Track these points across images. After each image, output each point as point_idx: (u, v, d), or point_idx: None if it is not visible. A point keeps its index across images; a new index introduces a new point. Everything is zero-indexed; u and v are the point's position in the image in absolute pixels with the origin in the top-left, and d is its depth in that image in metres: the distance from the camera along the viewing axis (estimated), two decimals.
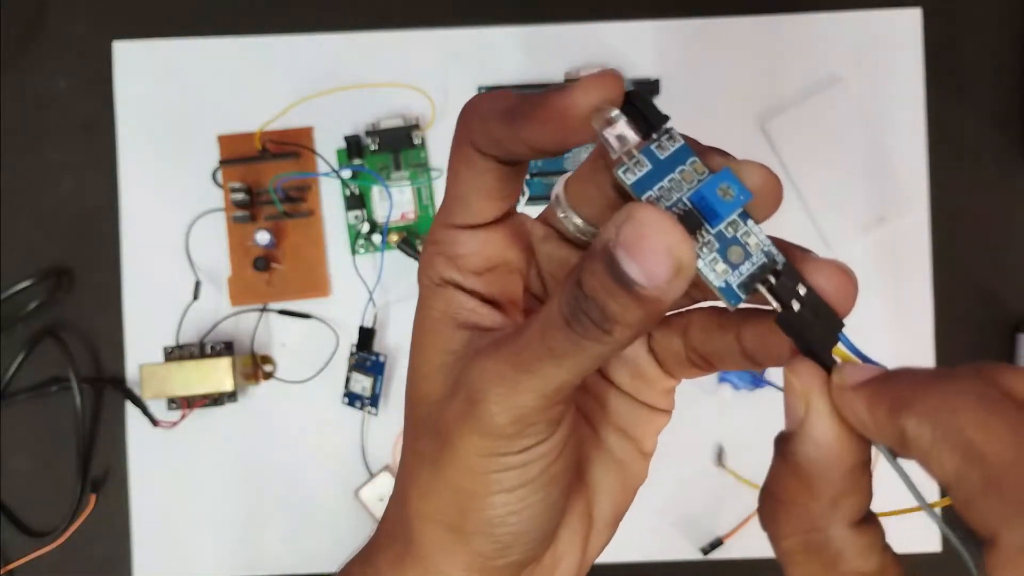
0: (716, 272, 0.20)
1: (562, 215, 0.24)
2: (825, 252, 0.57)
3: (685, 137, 0.21)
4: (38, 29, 0.59)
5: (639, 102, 0.20)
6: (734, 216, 0.20)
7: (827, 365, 0.20)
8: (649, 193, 0.20)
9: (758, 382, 0.56)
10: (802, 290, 0.20)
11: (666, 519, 0.57)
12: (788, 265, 0.20)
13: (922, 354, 0.57)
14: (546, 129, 0.20)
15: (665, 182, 0.20)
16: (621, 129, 0.20)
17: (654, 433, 0.26)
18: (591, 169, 0.23)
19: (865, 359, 0.21)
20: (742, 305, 0.21)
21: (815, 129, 0.57)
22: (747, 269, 0.20)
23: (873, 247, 0.57)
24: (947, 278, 0.57)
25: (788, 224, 0.57)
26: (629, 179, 0.20)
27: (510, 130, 0.21)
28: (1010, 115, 0.58)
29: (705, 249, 0.20)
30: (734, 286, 0.20)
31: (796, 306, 0.20)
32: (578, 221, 0.24)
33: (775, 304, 0.20)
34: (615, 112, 0.20)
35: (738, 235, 0.20)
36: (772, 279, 0.20)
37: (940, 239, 0.57)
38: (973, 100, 0.58)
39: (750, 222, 0.20)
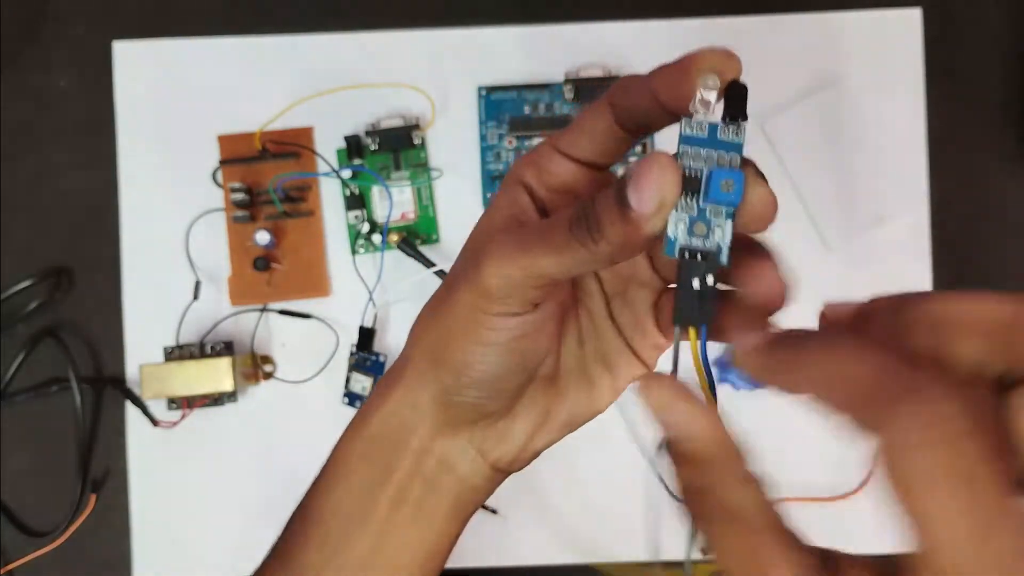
0: (675, 227, 0.24)
1: None
2: (825, 252, 0.57)
3: (745, 160, 0.24)
4: (38, 29, 0.59)
5: (738, 92, 0.24)
6: (721, 208, 0.24)
7: (688, 329, 0.25)
8: (685, 148, 0.24)
9: (758, 383, 0.56)
10: (709, 280, 0.24)
11: (666, 519, 0.57)
12: (718, 263, 0.24)
13: None
14: (670, 76, 0.24)
15: (703, 151, 0.24)
16: (711, 99, 0.24)
17: (629, 377, 0.31)
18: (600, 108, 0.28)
19: (706, 359, 0.25)
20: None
21: (815, 129, 0.57)
22: (695, 243, 0.24)
23: (873, 247, 0.57)
24: (947, 278, 0.57)
25: (788, 224, 0.57)
26: (684, 132, 0.24)
27: (646, 80, 0.25)
28: (1010, 115, 0.58)
29: (683, 210, 0.24)
30: (676, 244, 0.24)
31: (696, 285, 0.24)
32: None
33: (678, 274, 0.24)
34: (717, 83, 0.24)
35: (712, 219, 0.24)
36: (699, 257, 0.24)
37: (940, 239, 0.57)
38: (973, 100, 0.58)
39: (729, 222, 0.24)
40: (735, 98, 0.24)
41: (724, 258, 0.24)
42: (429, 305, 0.30)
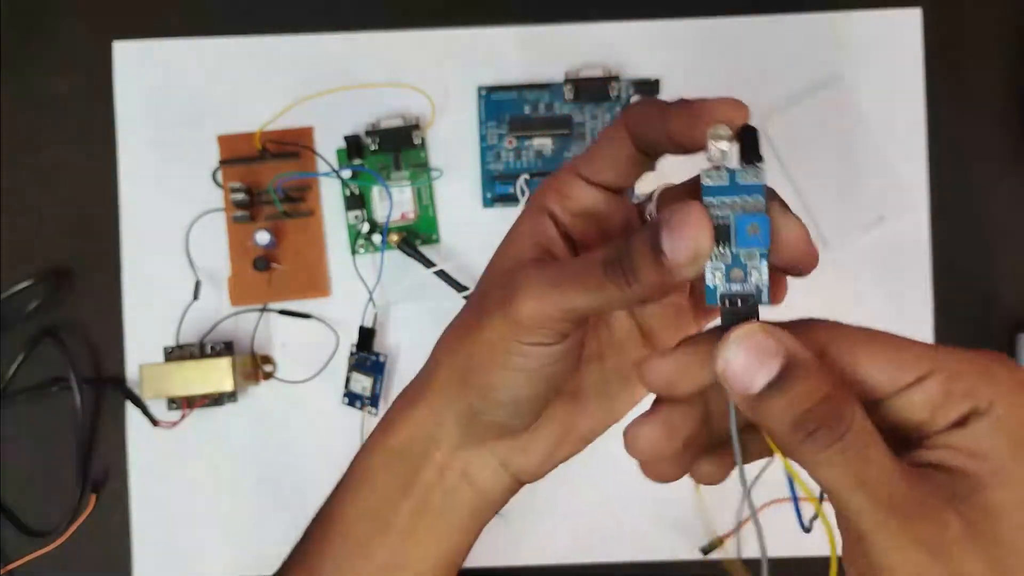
0: (712, 275, 0.25)
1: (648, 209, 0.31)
2: (825, 252, 0.57)
3: (771, 194, 0.26)
4: (38, 29, 0.59)
5: (751, 136, 0.25)
6: (754, 250, 0.25)
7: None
8: (710, 199, 0.25)
9: None
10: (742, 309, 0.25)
11: (666, 519, 0.57)
12: (758, 305, 0.25)
13: None
14: (683, 121, 0.26)
15: (727, 199, 0.25)
16: (727, 147, 0.25)
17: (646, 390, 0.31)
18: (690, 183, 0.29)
19: None
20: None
21: (815, 129, 0.57)
22: (734, 288, 0.25)
23: (873, 247, 0.57)
24: (947, 278, 0.57)
25: None
26: (705, 183, 0.25)
27: (661, 117, 0.26)
28: (1010, 115, 0.58)
29: (718, 259, 0.25)
30: (717, 293, 0.25)
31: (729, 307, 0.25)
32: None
33: (722, 320, 0.25)
34: (728, 133, 0.25)
35: (747, 263, 0.25)
36: (739, 303, 0.25)
37: (940, 239, 0.57)
38: (973, 100, 0.58)
39: (764, 262, 0.25)
40: (749, 142, 0.25)
41: (765, 298, 0.25)
42: (456, 327, 0.31)
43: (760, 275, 0.25)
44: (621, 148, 0.28)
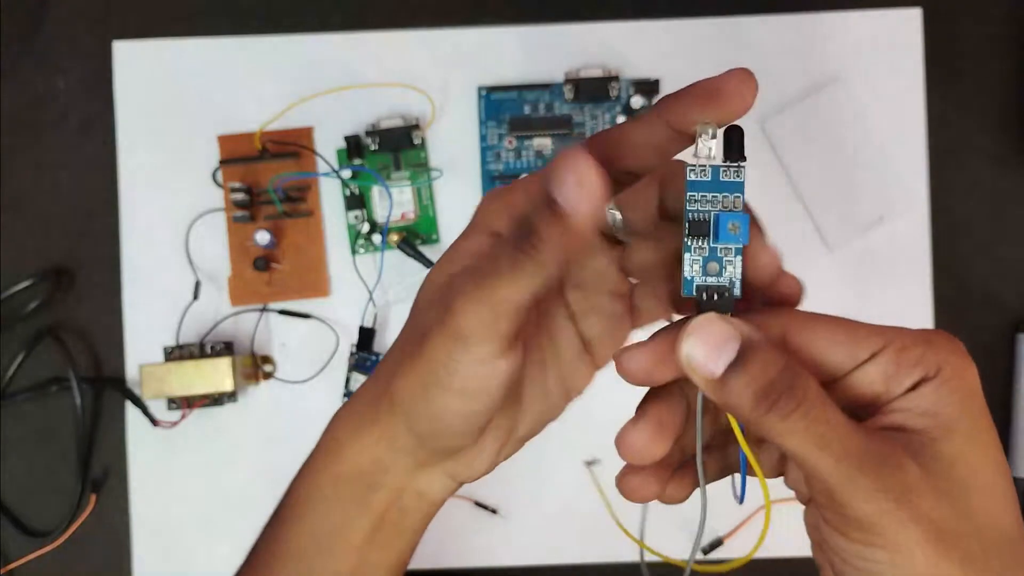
0: (691, 268, 0.26)
1: (610, 211, 0.30)
2: (825, 252, 0.57)
3: (750, 213, 0.27)
4: (38, 29, 0.59)
5: (736, 135, 0.26)
6: (731, 246, 0.26)
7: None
8: (692, 194, 0.26)
9: None
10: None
11: (666, 519, 0.57)
12: (732, 298, 0.26)
13: None
14: (684, 102, 0.26)
15: (708, 195, 0.26)
16: (712, 144, 0.25)
17: (584, 385, 0.32)
18: (648, 185, 0.29)
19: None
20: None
21: (815, 129, 0.57)
22: (710, 281, 0.26)
23: (873, 247, 0.57)
24: (947, 278, 0.57)
25: (788, 224, 0.57)
26: (690, 177, 0.26)
27: (651, 117, 0.26)
28: (1010, 115, 0.58)
29: (697, 252, 0.26)
30: (693, 284, 0.26)
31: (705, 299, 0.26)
32: (617, 217, 0.30)
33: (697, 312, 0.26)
34: (717, 132, 0.26)
35: (723, 257, 0.26)
36: (715, 296, 0.26)
37: (940, 239, 0.57)
38: (973, 100, 0.58)
39: (739, 258, 0.26)
40: (733, 141, 0.26)
41: (738, 291, 0.26)
42: (402, 353, 0.29)
43: (735, 269, 0.26)
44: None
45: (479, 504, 0.57)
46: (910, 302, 0.57)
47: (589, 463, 0.55)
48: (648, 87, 0.57)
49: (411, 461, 0.30)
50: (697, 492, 0.29)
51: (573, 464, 0.57)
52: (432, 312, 0.28)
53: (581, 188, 0.24)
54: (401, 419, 0.29)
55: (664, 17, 0.58)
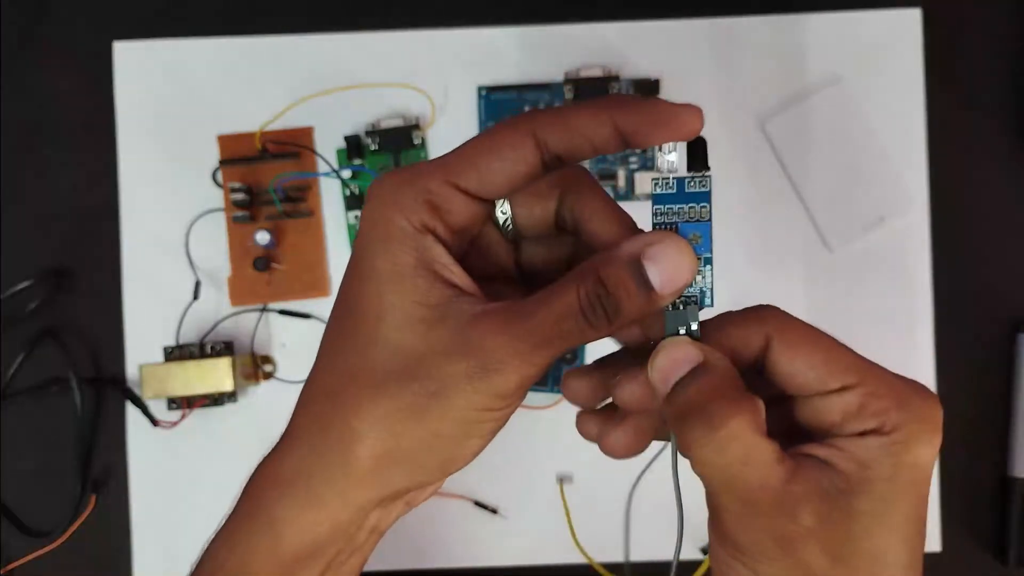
0: None
1: (499, 207, 0.28)
2: (825, 252, 0.57)
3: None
4: (38, 29, 0.59)
5: (699, 147, 0.26)
6: (699, 257, 0.26)
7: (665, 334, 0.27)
8: (658, 207, 0.26)
9: None
10: (694, 326, 0.26)
11: (666, 519, 0.57)
12: (699, 308, 0.26)
13: (922, 354, 0.57)
14: (649, 122, 0.25)
15: (675, 207, 0.26)
16: (672, 158, 0.26)
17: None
18: (547, 189, 0.28)
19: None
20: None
21: (815, 129, 0.57)
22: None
23: (873, 247, 0.57)
24: (947, 278, 0.57)
25: (788, 224, 0.57)
26: (655, 191, 0.26)
27: (614, 113, 0.25)
28: (1010, 115, 0.58)
29: None
30: None
31: (682, 331, 0.26)
32: (507, 214, 0.28)
33: (664, 324, 0.27)
34: (676, 145, 0.26)
35: None
36: (681, 305, 0.26)
37: (940, 239, 0.57)
38: (973, 100, 0.58)
39: (708, 268, 0.26)
40: (697, 152, 0.26)
41: (708, 300, 0.26)
42: (393, 405, 0.26)
43: (704, 279, 0.26)
44: (522, 160, 0.25)
45: (479, 504, 0.57)
46: (910, 302, 0.57)
47: (561, 479, 0.55)
48: (648, 87, 0.57)
49: (377, 505, 0.28)
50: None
51: (574, 464, 0.57)
52: (452, 365, 0.25)
53: (683, 287, 0.25)
54: (387, 477, 0.27)
55: (664, 17, 0.58)
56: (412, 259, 0.25)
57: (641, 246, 0.25)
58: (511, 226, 0.28)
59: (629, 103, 0.25)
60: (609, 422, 0.28)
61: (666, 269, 0.25)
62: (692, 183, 0.26)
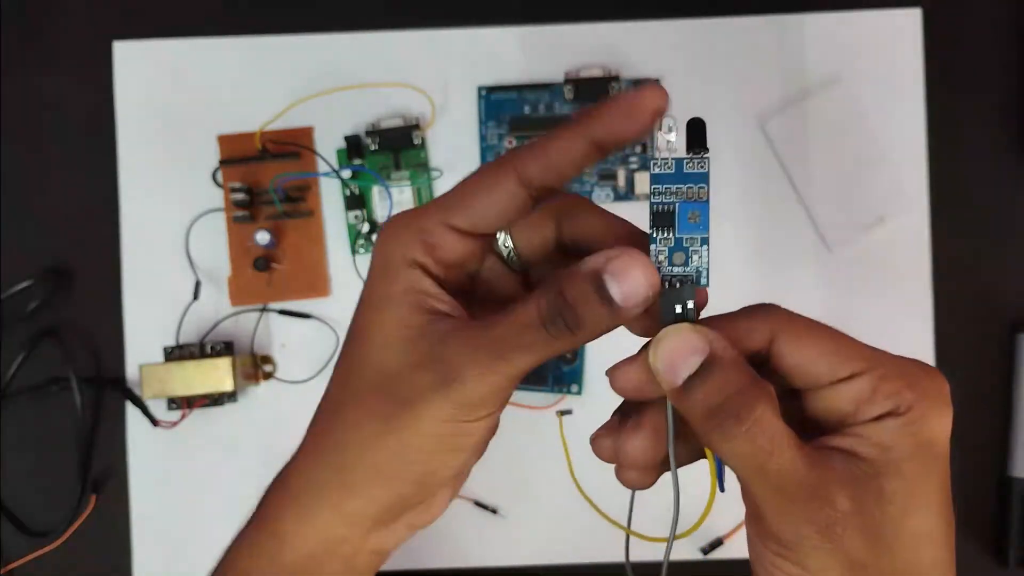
0: (657, 258, 0.27)
1: (501, 241, 0.30)
2: (825, 252, 0.57)
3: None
4: (38, 29, 0.59)
5: (697, 127, 0.26)
6: (695, 236, 0.26)
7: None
8: (656, 186, 0.26)
9: None
10: (690, 304, 0.27)
11: (666, 519, 0.57)
12: (695, 287, 0.27)
13: (922, 354, 0.57)
14: (618, 118, 0.25)
15: (672, 186, 0.26)
16: (671, 138, 0.26)
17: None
18: (543, 218, 0.29)
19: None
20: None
21: (815, 129, 0.57)
22: (676, 271, 0.27)
23: (873, 247, 0.57)
24: (947, 278, 0.57)
25: (788, 224, 0.57)
26: (653, 171, 0.26)
27: (583, 129, 0.25)
28: (1010, 114, 0.58)
29: (663, 243, 0.27)
30: (660, 274, 0.26)
31: (679, 310, 0.27)
32: (510, 247, 0.30)
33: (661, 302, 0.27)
34: (674, 124, 0.26)
35: (689, 247, 0.27)
36: (678, 284, 0.26)
37: (940, 239, 0.57)
38: (973, 100, 0.58)
39: (705, 248, 0.26)
40: (695, 132, 0.26)
41: (704, 280, 0.26)
42: (355, 422, 0.28)
43: (701, 259, 0.26)
44: (510, 198, 0.27)
45: (479, 504, 0.57)
46: (910, 302, 0.57)
47: (562, 412, 0.55)
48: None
49: (371, 524, 0.29)
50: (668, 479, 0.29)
51: (573, 464, 0.57)
52: (420, 377, 0.26)
53: (647, 301, 0.25)
54: (372, 491, 0.28)
55: (664, 17, 0.58)
56: (401, 288, 0.27)
57: (603, 261, 0.25)
58: (515, 257, 0.30)
59: (594, 112, 0.26)
60: (623, 430, 0.28)
61: (626, 283, 0.25)
62: (691, 163, 0.26)
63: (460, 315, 0.28)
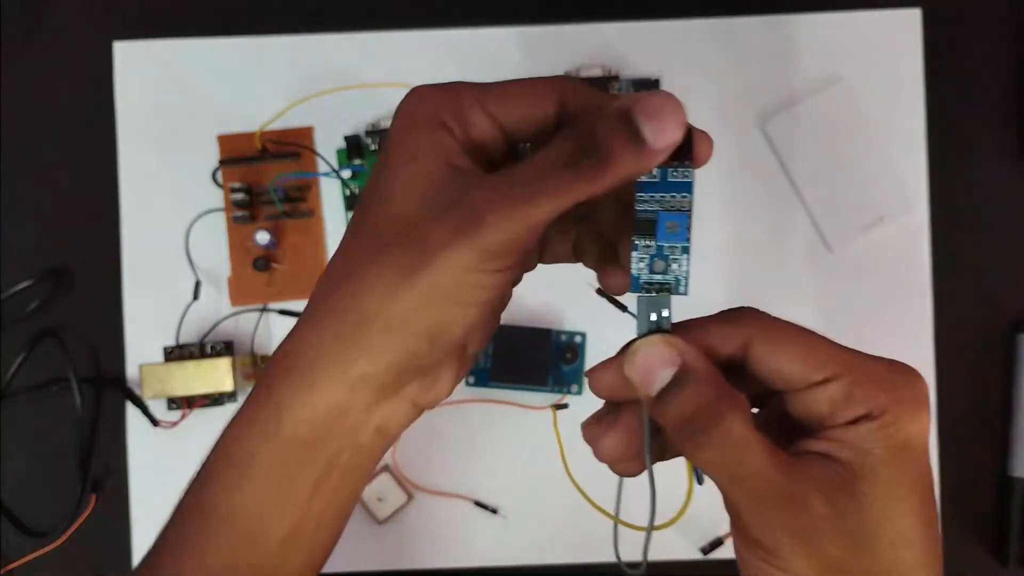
0: (637, 266, 0.27)
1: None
2: (825, 252, 0.57)
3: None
4: (38, 29, 0.59)
5: (684, 136, 0.26)
6: (676, 245, 0.27)
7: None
8: (640, 195, 0.27)
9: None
10: (664, 312, 0.27)
11: (662, 519, 0.57)
12: (671, 295, 0.27)
13: (922, 354, 0.57)
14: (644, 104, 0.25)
15: (656, 195, 0.27)
16: None
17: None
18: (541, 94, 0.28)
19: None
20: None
21: (815, 129, 0.57)
22: (656, 278, 0.27)
23: (873, 247, 0.57)
24: (947, 278, 0.57)
25: (788, 224, 0.57)
26: (639, 179, 0.26)
27: (612, 99, 0.26)
28: (1010, 115, 0.58)
29: (644, 251, 0.27)
30: (640, 282, 0.27)
31: (653, 318, 0.27)
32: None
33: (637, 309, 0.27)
34: None
35: (669, 255, 0.27)
36: (653, 293, 0.27)
37: (940, 239, 0.57)
38: (973, 100, 0.58)
39: (685, 257, 0.27)
40: (682, 143, 0.26)
41: (683, 288, 0.27)
42: (376, 274, 0.27)
43: (680, 268, 0.27)
44: (541, 105, 0.27)
45: (479, 504, 0.57)
46: (910, 302, 0.57)
47: (557, 406, 0.55)
48: (648, 87, 0.57)
49: (376, 394, 0.28)
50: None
51: (574, 464, 0.57)
52: (442, 224, 0.26)
53: (673, 145, 0.25)
54: (382, 347, 0.27)
55: (664, 17, 0.58)
56: (427, 142, 0.27)
57: (635, 100, 0.25)
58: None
59: (640, 96, 0.26)
60: (602, 424, 0.29)
61: (657, 122, 0.24)
62: (675, 173, 0.26)
63: (478, 171, 0.27)
